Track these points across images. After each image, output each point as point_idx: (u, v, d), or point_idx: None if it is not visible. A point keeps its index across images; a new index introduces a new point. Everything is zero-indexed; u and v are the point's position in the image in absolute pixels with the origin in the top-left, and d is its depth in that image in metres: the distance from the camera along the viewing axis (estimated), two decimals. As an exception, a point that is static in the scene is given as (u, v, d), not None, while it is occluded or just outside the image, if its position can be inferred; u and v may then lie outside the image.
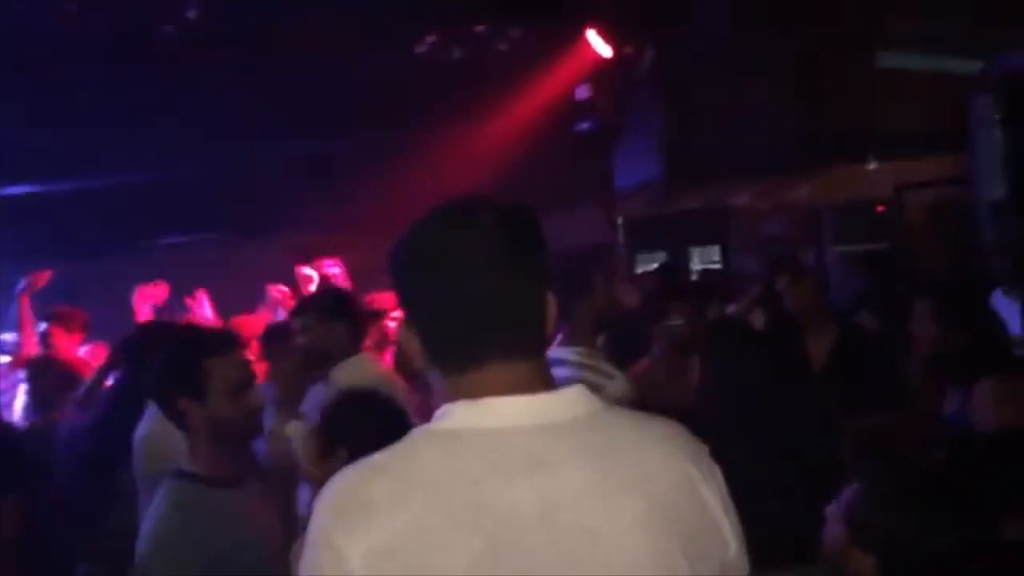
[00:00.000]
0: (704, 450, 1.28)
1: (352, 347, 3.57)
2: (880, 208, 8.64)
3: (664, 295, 4.21)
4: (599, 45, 6.49)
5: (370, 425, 2.25)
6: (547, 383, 1.23)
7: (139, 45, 6.23)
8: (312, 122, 7.14)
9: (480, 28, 6.63)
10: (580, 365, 3.05)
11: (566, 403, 1.22)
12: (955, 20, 6.93)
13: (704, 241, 9.38)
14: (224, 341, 2.37)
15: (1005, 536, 1.77)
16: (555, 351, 3.14)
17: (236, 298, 5.92)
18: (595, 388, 3.05)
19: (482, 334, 1.21)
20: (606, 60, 6.82)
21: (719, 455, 1.29)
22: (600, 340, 3.38)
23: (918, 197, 8.26)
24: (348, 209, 7.28)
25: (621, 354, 3.60)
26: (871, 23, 7.37)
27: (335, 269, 5.76)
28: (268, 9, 6.38)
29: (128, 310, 5.45)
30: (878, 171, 8.66)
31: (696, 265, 9.52)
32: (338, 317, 3.57)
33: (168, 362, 2.34)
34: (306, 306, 3.84)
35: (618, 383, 3.05)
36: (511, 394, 1.19)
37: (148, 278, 5.70)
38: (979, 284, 5.15)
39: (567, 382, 3.15)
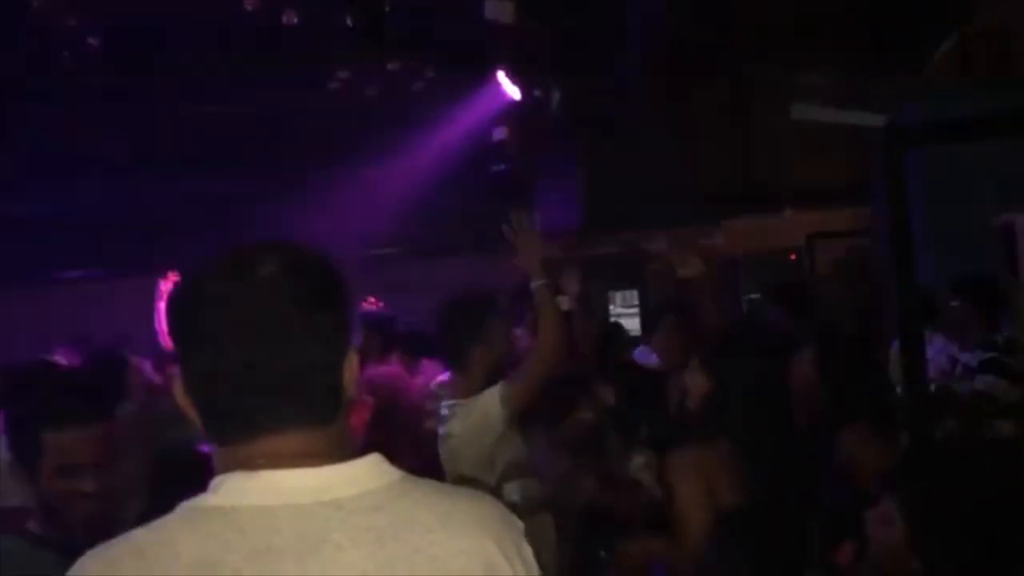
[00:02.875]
0: (517, 528, 1.19)
1: None
2: (792, 257, 8.79)
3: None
4: (508, 87, 6.49)
5: None
6: (337, 454, 1.10)
7: (34, 73, 6.03)
8: (217, 158, 6.98)
9: (394, 66, 6.56)
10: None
11: (354, 477, 1.10)
12: (864, 74, 7.12)
13: (622, 285, 9.44)
14: (70, 413, 2.08)
15: None
16: (443, 405, 3.06)
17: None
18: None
19: (253, 402, 1.08)
20: (518, 103, 6.82)
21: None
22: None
23: (829, 247, 8.41)
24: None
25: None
26: (785, 76, 7.53)
27: None
28: (172, 43, 6.25)
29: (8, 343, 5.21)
30: (791, 221, 8.82)
31: (617, 308, 9.61)
32: None
33: (10, 425, 2.15)
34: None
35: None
36: (290, 467, 1.07)
37: (38, 314, 5.45)
38: (878, 333, 5.24)
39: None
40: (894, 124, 5.75)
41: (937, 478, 2.19)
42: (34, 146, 6.40)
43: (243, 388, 1.08)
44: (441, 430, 3.02)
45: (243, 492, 1.07)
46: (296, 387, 1.09)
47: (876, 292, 6.79)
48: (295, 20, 5.92)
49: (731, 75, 8.03)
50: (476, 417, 2.90)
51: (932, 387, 3.83)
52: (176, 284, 1.16)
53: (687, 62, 7.61)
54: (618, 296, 9.78)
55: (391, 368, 4.86)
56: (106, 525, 2.11)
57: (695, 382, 2.78)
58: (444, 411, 3.03)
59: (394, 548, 1.06)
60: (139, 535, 1.07)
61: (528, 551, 1.18)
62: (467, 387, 2.97)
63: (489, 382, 3.03)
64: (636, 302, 9.58)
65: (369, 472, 1.11)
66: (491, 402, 2.88)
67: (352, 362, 1.16)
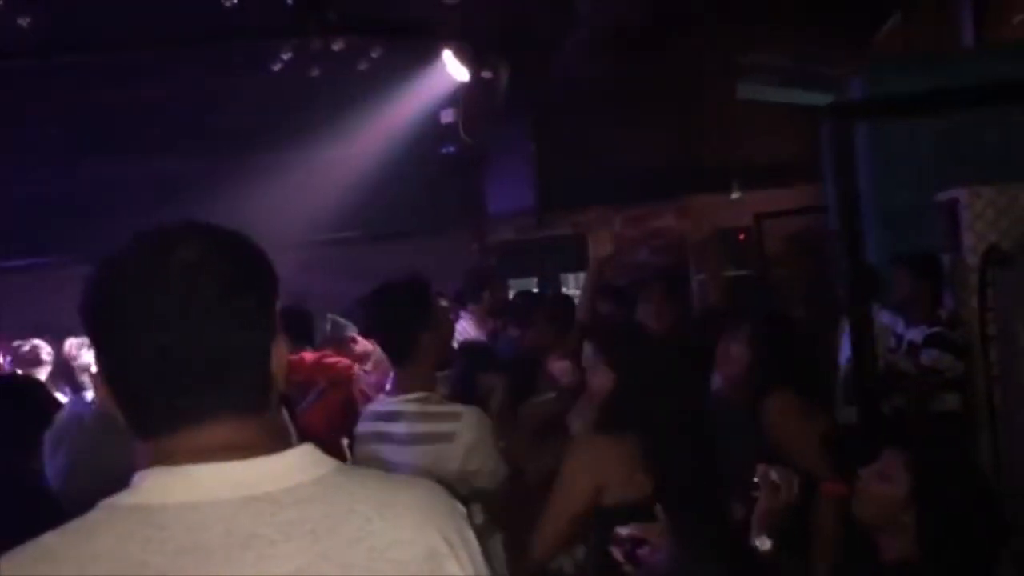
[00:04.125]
0: (459, 514, 1.14)
1: None
2: (741, 236, 8.84)
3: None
4: (455, 68, 6.40)
5: None
6: (267, 445, 1.05)
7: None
8: (160, 141, 6.81)
9: (339, 46, 6.42)
10: (419, 416, 2.70)
11: (285, 469, 1.04)
12: (808, 53, 7.16)
13: (575, 267, 9.43)
14: None
15: None
16: (389, 403, 2.81)
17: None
18: (444, 438, 2.67)
19: (173, 391, 1.02)
20: (467, 84, 6.74)
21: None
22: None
23: (777, 226, 8.47)
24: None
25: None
26: (730, 56, 7.54)
27: None
28: (114, 22, 6.05)
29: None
30: (739, 200, 8.88)
31: (571, 290, 9.61)
32: None
33: None
34: None
35: (468, 424, 2.69)
36: (216, 460, 1.02)
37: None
38: (827, 310, 5.28)
39: (407, 440, 2.66)
40: (839, 100, 5.80)
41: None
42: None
43: (162, 376, 1.01)
44: (401, 428, 2.73)
45: (166, 488, 1.01)
46: (218, 374, 1.03)
47: (826, 270, 6.87)
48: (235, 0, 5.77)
49: (678, 55, 8.03)
50: (492, 451, 2.78)
51: (880, 363, 3.87)
52: (93, 268, 1.06)
53: (635, 42, 7.60)
54: (571, 278, 9.78)
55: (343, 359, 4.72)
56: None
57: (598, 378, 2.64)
58: (394, 407, 2.76)
59: (329, 541, 1.02)
60: (50, 537, 1.00)
61: (471, 535, 1.13)
62: (416, 377, 2.75)
63: (438, 368, 2.90)
64: (588, 283, 9.59)
65: (301, 463, 1.06)
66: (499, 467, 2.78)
67: (280, 348, 1.10)
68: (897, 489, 2.06)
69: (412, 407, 2.73)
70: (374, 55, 6.52)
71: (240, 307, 1.04)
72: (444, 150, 7.79)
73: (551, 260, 9.46)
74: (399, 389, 2.80)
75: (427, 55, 6.60)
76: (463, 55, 6.26)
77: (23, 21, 5.74)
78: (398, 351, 2.80)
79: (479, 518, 2.59)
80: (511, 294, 8.61)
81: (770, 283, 8.17)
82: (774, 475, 2.34)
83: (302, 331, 4.42)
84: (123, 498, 1.02)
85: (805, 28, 7.42)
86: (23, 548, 1.00)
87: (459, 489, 2.30)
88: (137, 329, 1.01)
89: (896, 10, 7.02)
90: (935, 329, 4.34)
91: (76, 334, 5.40)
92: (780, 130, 8.39)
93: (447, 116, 7.56)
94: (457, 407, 2.78)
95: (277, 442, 1.07)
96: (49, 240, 7.43)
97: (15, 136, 7.01)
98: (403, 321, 2.74)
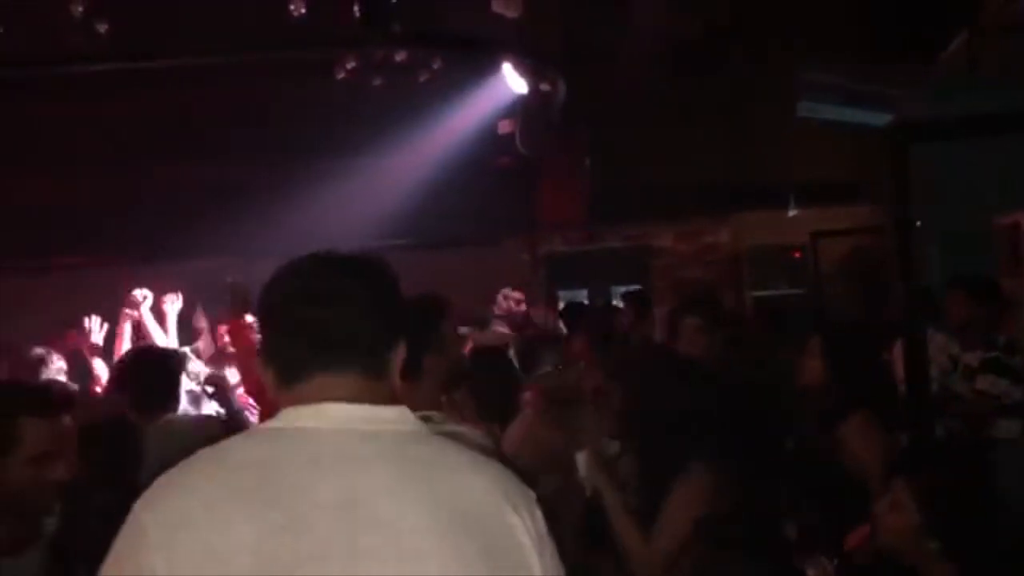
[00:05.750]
0: (530, 497, 1.36)
1: None
2: (797, 254, 8.77)
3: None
4: (514, 80, 6.47)
5: None
6: (378, 402, 1.35)
7: (40, 57, 6.02)
8: (222, 146, 6.97)
9: (401, 57, 6.54)
10: None
11: (390, 417, 1.35)
12: (872, 72, 7.10)
13: (625, 280, 9.42)
14: (43, 402, 2.12)
15: None
16: None
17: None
18: None
19: (316, 351, 1.36)
20: (525, 95, 6.80)
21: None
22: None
23: (833, 245, 8.39)
24: (256, 236, 7.11)
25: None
26: (791, 73, 7.51)
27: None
28: (181, 31, 6.24)
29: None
30: (796, 218, 8.81)
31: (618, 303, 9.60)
32: None
33: None
34: None
35: (475, 438, 2.61)
36: (339, 403, 1.33)
37: (39, 299, 5.44)
38: (882, 331, 5.23)
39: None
40: (899, 121, 5.75)
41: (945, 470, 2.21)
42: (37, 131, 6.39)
43: (311, 340, 1.35)
44: None
45: (299, 417, 1.33)
46: (352, 344, 1.36)
47: (882, 291, 6.79)
48: (303, 10, 5.92)
49: (736, 70, 8.01)
50: None
51: (934, 386, 3.84)
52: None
53: (692, 57, 7.60)
54: (619, 291, 9.76)
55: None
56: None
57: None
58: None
59: (419, 472, 1.29)
60: (203, 450, 1.33)
61: (540, 515, 1.35)
62: (420, 398, 2.59)
63: (442, 391, 2.84)
64: (638, 298, 9.56)
65: (403, 417, 1.36)
66: None
67: (400, 352, 1.42)
68: (908, 518, 2.04)
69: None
70: (435, 66, 6.63)
71: (379, 305, 1.40)
72: (500, 160, 7.85)
73: (602, 272, 9.46)
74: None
75: (487, 67, 6.68)
76: (522, 68, 6.33)
77: (99, 27, 5.97)
78: (401, 371, 2.80)
79: None
80: (560, 305, 8.67)
81: (823, 302, 8.10)
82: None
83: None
84: (266, 424, 1.37)
85: (865, 47, 7.36)
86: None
87: None
88: (296, 305, 1.37)
89: (963, 30, 6.93)
90: (992, 354, 4.29)
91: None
92: (836, 148, 8.32)
93: (504, 127, 7.64)
94: (460, 428, 2.70)
95: (388, 401, 1.37)
96: (112, 241, 7.64)
97: (86, 139, 7.24)
98: (408, 343, 2.74)
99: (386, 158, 7.75)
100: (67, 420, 2.13)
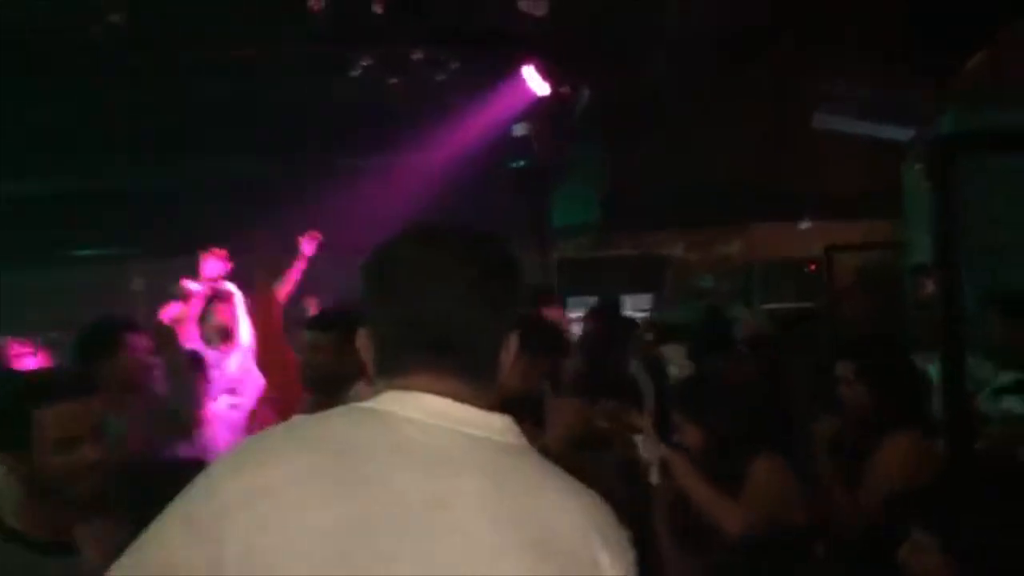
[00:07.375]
0: (622, 535, 1.26)
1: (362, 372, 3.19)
2: (812, 267, 8.69)
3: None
4: (536, 82, 6.39)
5: None
6: (479, 404, 1.25)
7: (64, 49, 5.94)
8: (238, 143, 6.89)
9: (417, 56, 6.45)
10: None
11: (490, 424, 1.25)
12: (890, 86, 7.03)
13: (637, 288, 9.34)
14: (59, 388, 2.09)
15: None
16: None
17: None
18: None
19: (419, 345, 1.25)
20: (543, 98, 6.72)
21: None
22: None
23: (847, 259, 8.31)
24: (269, 233, 7.02)
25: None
26: (809, 84, 7.44)
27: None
28: (204, 26, 6.16)
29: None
30: (809, 231, 8.73)
31: (627, 311, 9.52)
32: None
33: None
34: (330, 321, 3.32)
35: None
36: (439, 396, 1.23)
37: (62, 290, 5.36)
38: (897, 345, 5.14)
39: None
40: (937, 134, 5.66)
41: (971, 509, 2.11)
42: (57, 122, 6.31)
43: (414, 333, 1.25)
44: None
45: (396, 402, 1.23)
46: (457, 341, 1.25)
47: (897, 307, 6.70)
48: (322, 4, 5.83)
49: (755, 81, 7.94)
50: None
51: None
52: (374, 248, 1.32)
53: (712, 66, 7.52)
54: (628, 299, 9.68)
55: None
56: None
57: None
58: None
59: (507, 482, 1.19)
60: (296, 418, 1.30)
61: (630, 554, 1.24)
62: None
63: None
64: (647, 306, 9.48)
65: (503, 427, 1.25)
66: None
67: (510, 347, 1.30)
68: (929, 559, 1.96)
69: None
70: (453, 66, 6.54)
71: (490, 297, 1.26)
72: (514, 163, 7.78)
73: (613, 279, 9.37)
74: None
75: (505, 69, 6.61)
76: (545, 70, 6.25)
77: (117, 18, 5.88)
78: None
79: None
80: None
81: (835, 318, 8.00)
82: None
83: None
84: (363, 404, 1.26)
85: (887, 61, 7.29)
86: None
87: None
88: (404, 295, 1.26)
89: (989, 43, 6.86)
90: None
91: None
92: (854, 162, 8.25)
93: (520, 129, 7.56)
94: None
95: (489, 407, 1.26)
96: (125, 233, 7.58)
97: (103, 132, 7.16)
98: None
99: (399, 158, 7.67)
100: (92, 402, 2.12)
